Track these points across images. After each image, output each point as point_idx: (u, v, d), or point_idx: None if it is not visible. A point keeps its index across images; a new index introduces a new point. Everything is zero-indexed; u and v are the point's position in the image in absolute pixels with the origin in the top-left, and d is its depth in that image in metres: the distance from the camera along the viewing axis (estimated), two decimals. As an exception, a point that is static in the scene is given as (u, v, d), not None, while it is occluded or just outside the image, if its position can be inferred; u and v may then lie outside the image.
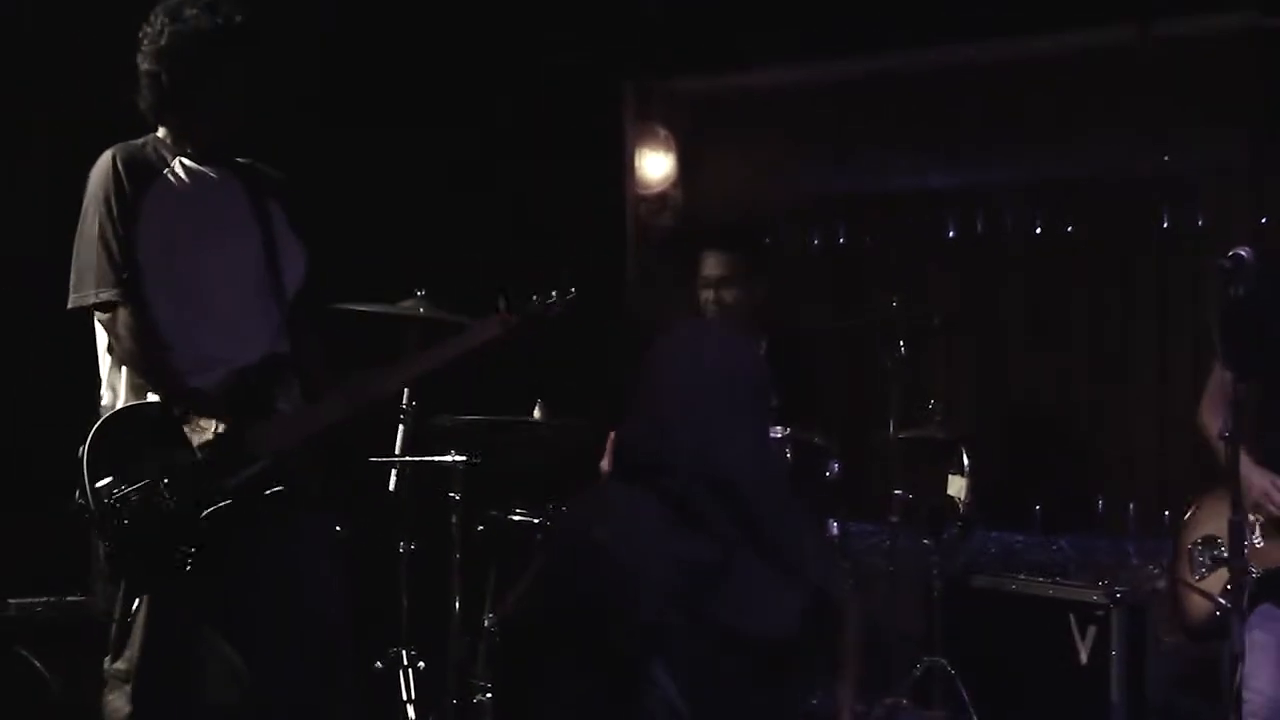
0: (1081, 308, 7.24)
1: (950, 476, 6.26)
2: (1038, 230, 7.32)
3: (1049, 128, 7.15)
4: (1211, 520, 4.81)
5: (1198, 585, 4.87)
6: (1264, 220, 6.77)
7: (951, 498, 6.27)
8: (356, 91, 6.53)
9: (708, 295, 6.07)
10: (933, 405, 6.36)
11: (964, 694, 6.06)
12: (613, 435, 3.71)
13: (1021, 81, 7.23)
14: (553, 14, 7.21)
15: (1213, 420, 4.92)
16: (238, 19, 4.40)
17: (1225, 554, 4.62)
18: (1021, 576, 6.18)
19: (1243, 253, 4.35)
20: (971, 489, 6.23)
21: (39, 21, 5.81)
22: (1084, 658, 5.76)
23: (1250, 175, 6.88)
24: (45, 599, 5.60)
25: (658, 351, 3.38)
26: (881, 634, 6.20)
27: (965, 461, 6.24)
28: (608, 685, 3.24)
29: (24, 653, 5.39)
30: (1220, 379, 4.94)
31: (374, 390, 4.63)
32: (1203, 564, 4.88)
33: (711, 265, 6.09)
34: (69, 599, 5.58)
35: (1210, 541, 4.86)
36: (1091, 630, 5.74)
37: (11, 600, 5.53)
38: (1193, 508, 4.91)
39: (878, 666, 5.97)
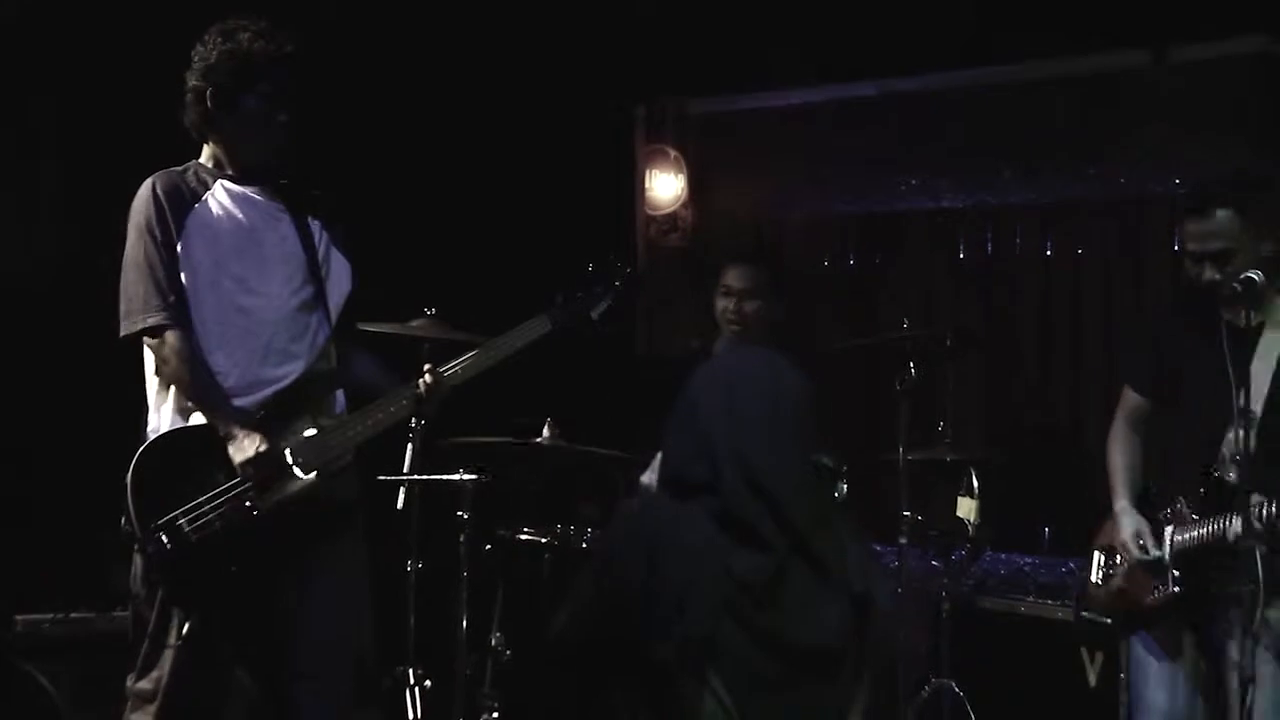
0: (1092, 330, 7.23)
1: (959, 498, 6.25)
2: (1048, 252, 7.32)
3: (1060, 150, 7.15)
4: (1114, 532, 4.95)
5: (1090, 591, 5.02)
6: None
7: (961, 519, 6.26)
8: (366, 112, 6.55)
9: (728, 305, 6.10)
10: (942, 427, 6.36)
11: (972, 716, 6.06)
12: (659, 455, 3.73)
13: (1033, 104, 7.22)
14: (565, 36, 7.22)
15: (1112, 444, 5.01)
16: (289, 47, 4.47)
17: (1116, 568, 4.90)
18: (1030, 599, 6.17)
19: (1254, 275, 4.36)
20: (981, 510, 6.22)
21: (80, 37, 5.85)
22: (1093, 680, 5.76)
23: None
24: (52, 616, 5.61)
25: (705, 372, 3.45)
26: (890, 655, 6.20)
27: (975, 483, 6.24)
28: (657, 702, 3.29)
29: (30, 670, 5.39)
30: (1124, 399, 5.05)
31: (434, 389, 4.64)
32: (1101, 571, 5.00)
33: (734, 278, 6.13)
34: (74, 615, 5.59)
35: (1109, 551, 4.97)
36: (1100, 653, 5.73)
37: (18, 617, 5.53)
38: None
39: (886, 687, 5.95)
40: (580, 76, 7.37)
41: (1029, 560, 6.54)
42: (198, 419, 4.37)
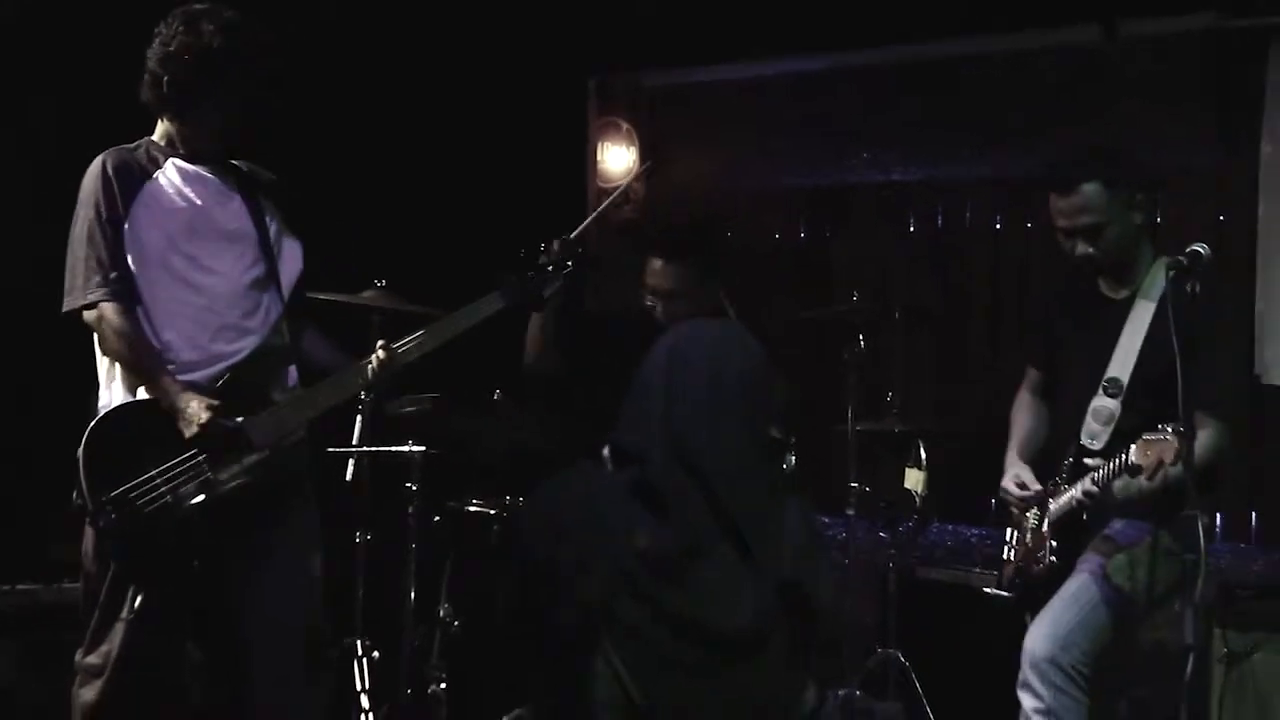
0: (1041, 303, 7.26)
1: (907, 469, 6.29)
2: (998, 226, 7.35)
3: (1011, 124, 7.17)
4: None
5: (1003, 568, 5.11)
6: (1222, 217, 6.81)
7: (908, 490, 6.30)
8: (318, 86, 6.51)
9: (651, 302, 5.78)
10: (891, 399, 6.39)
11: (918, 686, 6.10)
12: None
13: (984, 78, 7.25)
14: (518, 8, 7.20)
15: (1014, 412, 5.07)
16: (252, 45, 4.46)
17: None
18: (976, 570, 6.22)
19: (1200, 249, 4.39)
20: (928, 482, 6.26)
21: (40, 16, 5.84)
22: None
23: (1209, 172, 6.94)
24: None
25: (661, 341, 3.37)
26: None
27: (922, 455, 6.28)
28: (554, 673, 3.23)
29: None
30: (1027, 373, 5.19)
31: (387, 365, 4.64)
32: (1009, 548, 5.08)
33: (652, 275, 5.73)
34: (20, 588, 5.57)
35: (1017, 527, 5.04)
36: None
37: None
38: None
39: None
40: (533, 49, 7.35)
41: (975, 531, 6.59)
42: (147, 394, 4.37)
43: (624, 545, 3.14)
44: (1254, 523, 6.70)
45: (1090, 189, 4.67)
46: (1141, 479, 4.35)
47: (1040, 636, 4.56)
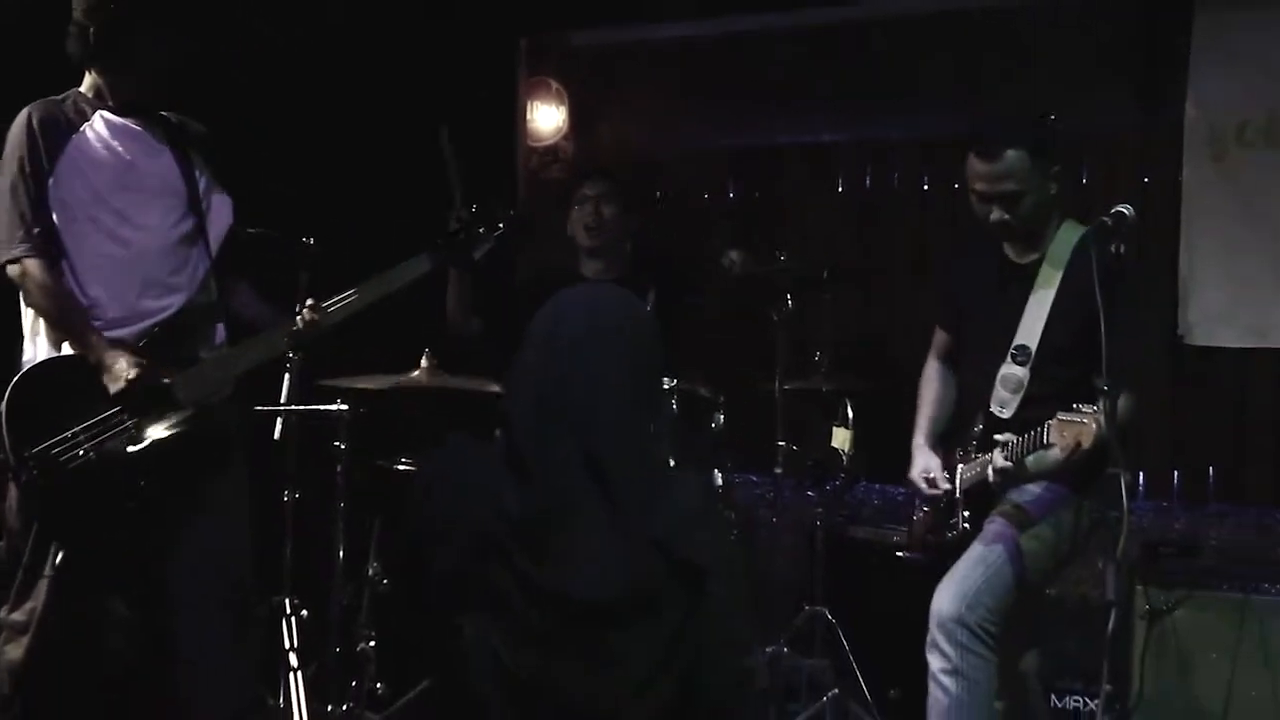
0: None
1: (835, 428, 6.31)
2: (925, 187, 7.37)
3: (938, 85, 7.19)
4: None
5: (912, 530, 5.18)
6: (1146, 179, 6.86)
7: (835, 450, 6.32)
8: (243, 38, 6.46)
9: (585, 212, 6.12)
10: (819, 357, 6.41)
11: (844, 643, 6.14)
12: None
13: (911, 38, 7.26)
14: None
15: (922, 382, 5.11)
16: None
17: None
18: (903, 528, 6.21)
19: (1125, 210, 4.43)
20: (855, 441, 6.29)
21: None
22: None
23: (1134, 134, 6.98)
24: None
25: (546, 305, 3.26)
26: (764, 583, 6.27)
27: (850, 414, 6.31)
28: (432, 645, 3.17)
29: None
30: (935, 337, 5.19)
31: (314, 323, 4.63)
32: (918, 511, 5.14)
33: (590, 186, 6.21)
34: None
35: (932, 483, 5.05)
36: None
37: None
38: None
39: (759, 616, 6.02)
40: (463, 7, 7.31)
41: (902, 491, 6.60)
42: (71, 349, 4.35)
43: (489, 512, 3.04)
44: (1176, 482, 6.77)
45: (1014, 156, 4.67)
46: (1058, 455, 4.37)
47: (946, 597, 4.59)
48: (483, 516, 3.04)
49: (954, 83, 7.11)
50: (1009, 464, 4.59)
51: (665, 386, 5.47)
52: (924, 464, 4.96)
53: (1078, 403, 4.31)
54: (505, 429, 3.14)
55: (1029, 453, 4.53)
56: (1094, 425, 4.21)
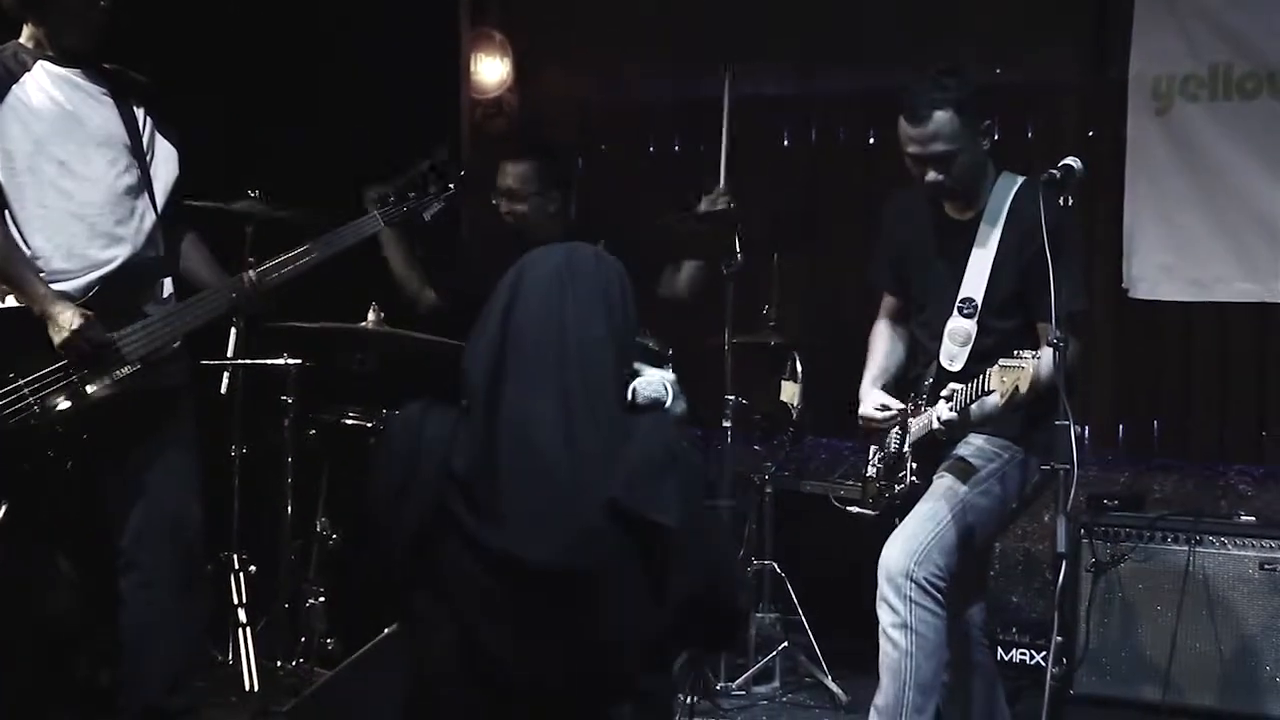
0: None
1: (783, 382, 6.33)
2: (871, 141, 7.38)
3: (883, 38, 7.17)
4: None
5: (865, 485, 5.12)
6: (1091, 134, 6.88)
7: (784, 404, 6.34)
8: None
9: (500, 204, 5.96)
10: (766, 311, 6.41)
11: (793, 596, 6.18)
12: None
13: (857, -7, 7.26)
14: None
15: (871, 339, 5.12)
16: None
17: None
18: (851, 482, 6.25)
19: (1072, 163, 4.44)
20: (803, 395, 6.31)
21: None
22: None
23: (1079, 88, 7.00)
24: None
25: (508, 271, 3.19)
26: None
27: (798, 368, 6.32)
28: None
29: None
30: (883, 300, 5.20)
31: (259, 284, 4.60)
32: (871, 465, 5.10)
33: (501, 176, 5.94)
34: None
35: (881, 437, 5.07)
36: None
37: None
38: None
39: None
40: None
41: (849, 445, 6.64)
42: (15, 301, 4.30)
43: (440, 473, 2.99)
44: (1121, 435, 6.82)
45: (941, 117, 4.63)
46: (997, 401, 4.39)
47: (895, 553, 4.60)
48: (431, 477, 3.00)
49: (899, 37, 7.09)
50: (953, 414, 4.60)
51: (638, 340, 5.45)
52: (874, 399, 4.97)
53: (1019, 350, 4.33)
54: (462, 383, 3.08)
55: (972, 401, 4.54)
56: (1030, 370, 4.22)
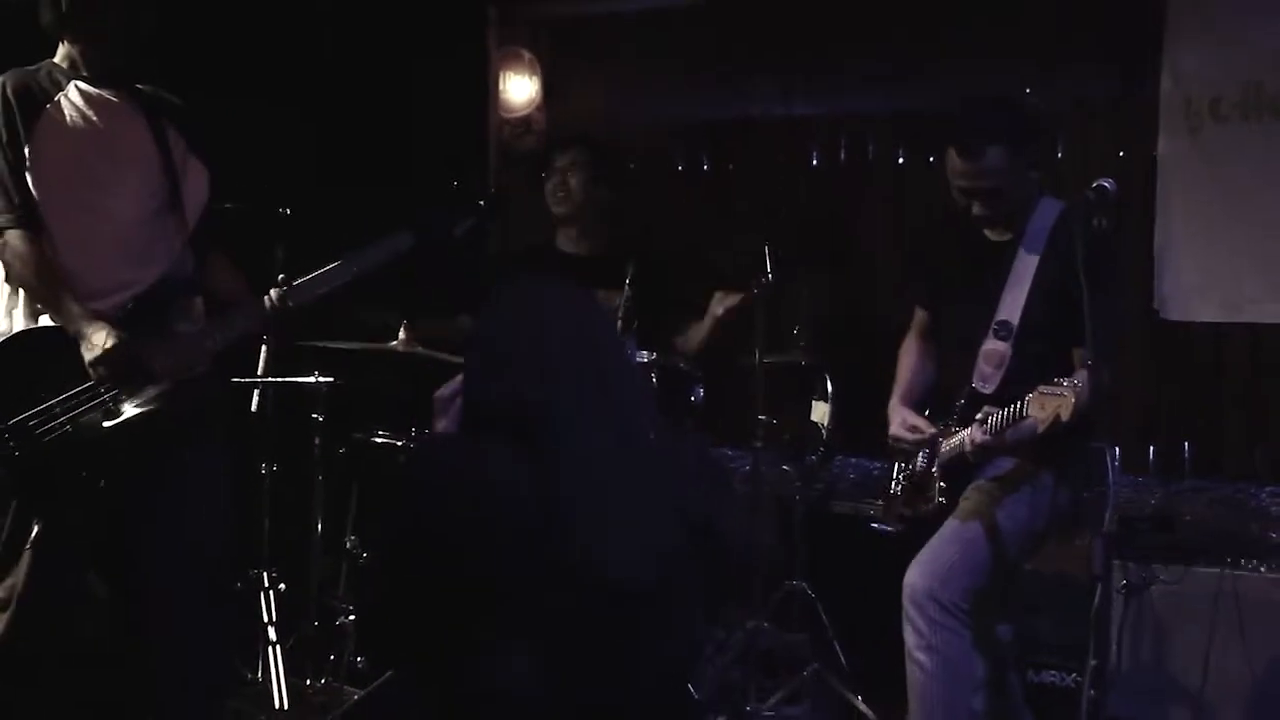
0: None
1: (814, 402, 6.32)
2: (900, 161, 7.36)
3: (913, 58, 7.16)
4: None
5: (888, 502, 5.17)
6: (1122, 153, 6.86)
7: (814, 424, 6.32)
8: (216, 9, 6.41)
9: (555, 183, 6.17)
10: (797, 331, 6.40)
11: (824, 617, 6.15)
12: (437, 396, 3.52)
13: (887, 10, 7.23)
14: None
15: (900, 355, 5.11)
16: None
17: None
18: (880, 502, 6.25)
19: (1106, 184, 4.42)
20: (834, 415, 6.29)
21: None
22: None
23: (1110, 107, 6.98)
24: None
25: (505, 315, 3.22)
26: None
27: (828, 388, 6.31)
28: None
29: None
30: (915, 316, 5.17)
31: (289, 302, 4.60)
32: (895, 483, 5.14)
33: (558, 156, 6.25)
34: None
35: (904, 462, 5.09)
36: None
37: None
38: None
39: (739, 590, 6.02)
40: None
41: (879, 465, 6.60)
42: (49, 320, 4.31)
43: (511, 506, 2.97)
44: (1151, 456, 6.78)
45: (994, 152, 4.61)
46: (1035, 427, 4.36)
47: (920, 573, 4.59)
48: (491, 514, 2.98)
49: (929, 56, 7.08)
50: (988, 437, 4.59)
51: (640, 359, 5.48)
52: (902, 417, 4.95)
53: (1057, 376, 4.30)
54: (515, 417, 3.06)
55: (1008, 426, 4.52)
56: (1073, 398, 4.20)
